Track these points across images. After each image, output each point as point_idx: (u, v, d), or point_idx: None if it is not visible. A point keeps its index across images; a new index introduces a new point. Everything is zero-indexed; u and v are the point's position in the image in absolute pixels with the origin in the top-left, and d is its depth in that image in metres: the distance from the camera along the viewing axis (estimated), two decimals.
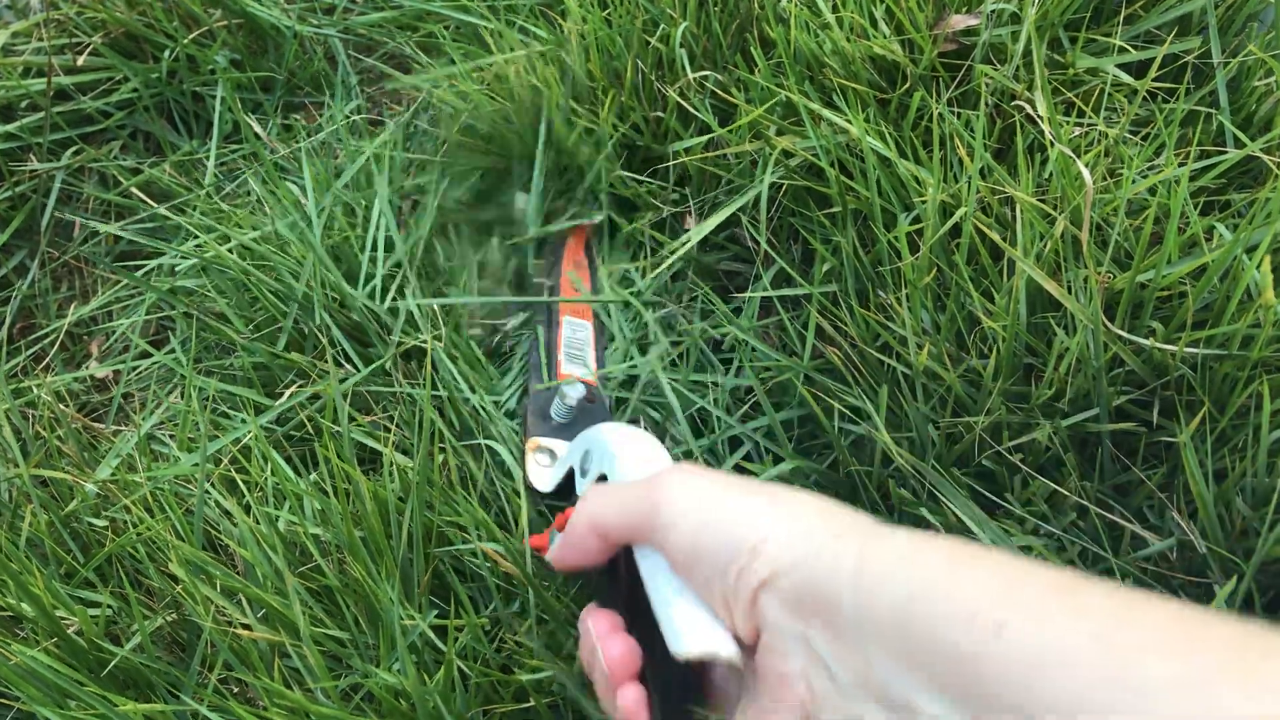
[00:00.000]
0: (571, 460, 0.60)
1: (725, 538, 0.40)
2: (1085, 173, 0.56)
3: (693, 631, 0.41)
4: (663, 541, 0.43)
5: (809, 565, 0.37)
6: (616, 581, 0.49)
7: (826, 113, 0.71)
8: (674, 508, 0.42)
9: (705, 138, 0.78)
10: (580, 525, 0.48)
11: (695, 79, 0.79)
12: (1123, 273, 0.61)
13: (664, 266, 0.76)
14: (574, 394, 0.68)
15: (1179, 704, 0.26)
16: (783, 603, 0.37)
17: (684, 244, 0.75)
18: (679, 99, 0.79)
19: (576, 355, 0.74)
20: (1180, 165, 0.63)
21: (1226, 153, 0.67)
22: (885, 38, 0.75)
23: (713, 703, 0.44)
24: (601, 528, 0.46)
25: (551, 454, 0.67)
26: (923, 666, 0.31)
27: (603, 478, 0.53)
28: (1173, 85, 0.72)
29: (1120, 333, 0.59)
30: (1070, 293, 0.61)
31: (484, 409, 0.69)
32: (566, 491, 0.62)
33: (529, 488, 0.65)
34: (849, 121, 0.70)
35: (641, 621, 0.46)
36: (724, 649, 0.40)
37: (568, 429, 0.68)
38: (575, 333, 0.75)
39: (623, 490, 0.46)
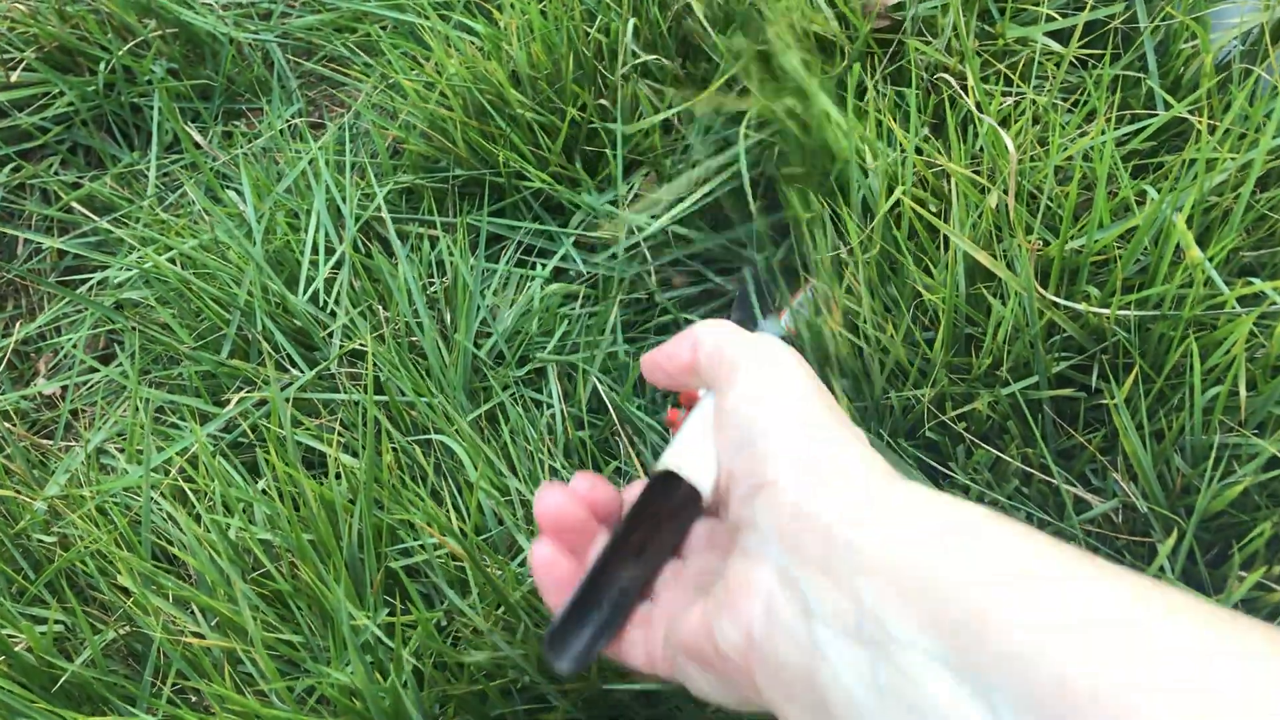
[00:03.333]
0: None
1: (760, 425, 0.38)
2: (1009, 142, 0.56)
3: (680, 455, 0.41)
4: (722, 391, 0.41)
5: (816, 488, 0.35)
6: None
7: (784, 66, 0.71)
8: (750, 375, 0.41)
9: (658, 116, 0.78)
10: (683, 337, 0.45)
11: (638, 65, 0.79)
12: (1056, 239, 0.61)
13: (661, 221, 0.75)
14: (774, 329, 0.69)
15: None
16: (775, 511, 0.36)
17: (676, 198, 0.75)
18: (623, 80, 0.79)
19: (802, 314, 0.71)
20: (1107, 131, 0.64)
21: (1156, 115, 0.68)
22: (825, 18, 0.75)
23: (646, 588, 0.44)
24: (696, 343, 0.44)
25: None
26: (913, 615, 0.30)
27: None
28: (1101, 51, 0.73)
29: (1053, 299, 0.59)
30: (1005, 262, 0.61)
31: (430, 406, 0.69)
32: None
33: None
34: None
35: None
36: (692, 474, 0.40)
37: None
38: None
39: (731, 333, 0.44)
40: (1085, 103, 0.68)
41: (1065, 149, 0.64)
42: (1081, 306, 0.60)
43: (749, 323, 0.74)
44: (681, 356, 0.45)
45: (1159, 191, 0.63)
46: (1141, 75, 0.71)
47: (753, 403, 0.40)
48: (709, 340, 0.44)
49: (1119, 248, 0.63)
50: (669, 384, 0.46)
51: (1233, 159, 0.61)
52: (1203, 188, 0.58)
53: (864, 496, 0.35)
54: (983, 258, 0.59)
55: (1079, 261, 0.62)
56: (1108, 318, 0.60)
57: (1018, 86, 0.70)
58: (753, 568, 0.36)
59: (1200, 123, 0.63)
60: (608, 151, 0.80)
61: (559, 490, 0.44)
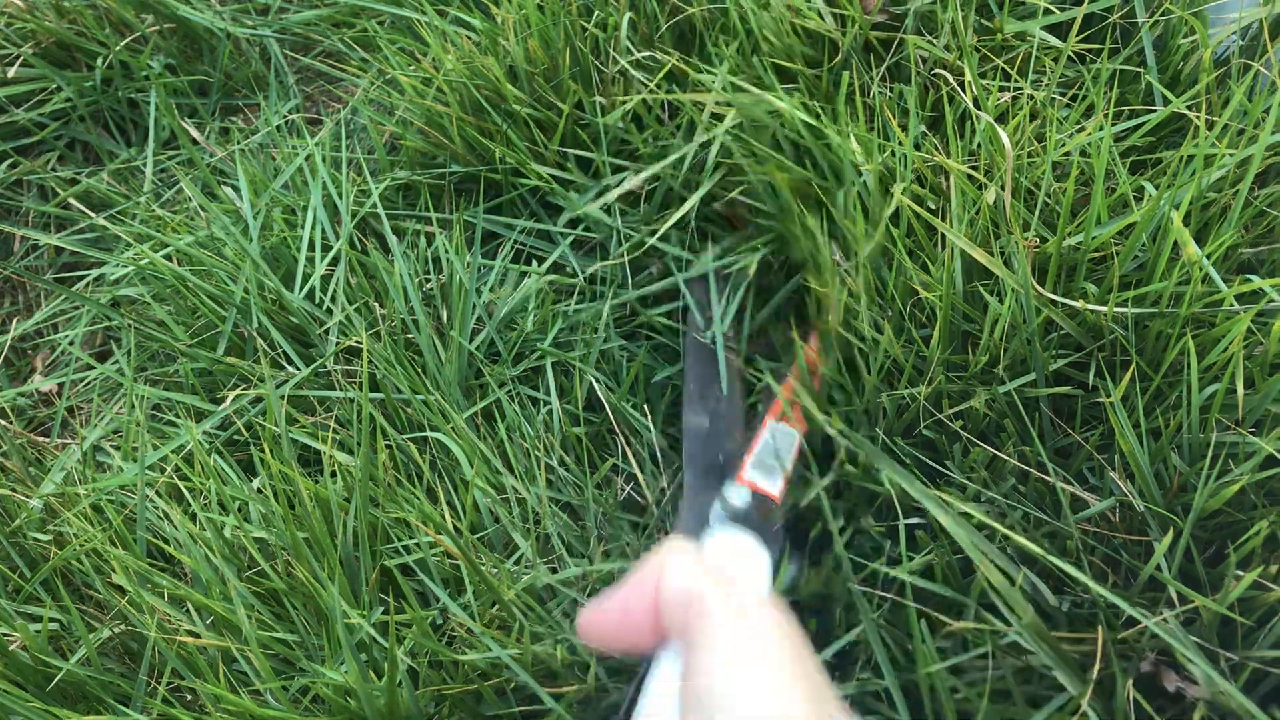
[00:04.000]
0: None
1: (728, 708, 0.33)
2: (1004, 138, 0.56)
3: None
4: (691, 647, 0.36)
5: None
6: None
7: (754, 90, 0.71)
8: (724, 651, 0.35)
9: (638, 97, 0.78)
10: (647, 574, 0.39)
11: (633, 60, 0.79)
12: (1054, 236, 0.61)
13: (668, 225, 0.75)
14: (738, 500, 0.60)
15: None
16: None
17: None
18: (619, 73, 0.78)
19: (769, 465, 0.64)
20: (1105, 126, 0.63)
21: (1155, 110, 0.68)
22: (819, 15, 0.74)
23: None
24: (665, 583, 0.38)
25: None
26: None
27: None
28: (1100, 46, 0.72)
29: (1050, 296, 0.59)
30: (1002, 259, 0.61)
31: (426, 403, 0.69)
32: None
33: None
34: (777, 98, 0.70)
35: None
36: None
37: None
38: (779, 439, 0.65)
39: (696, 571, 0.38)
40: (1083, 98, 0.67)
41: (1063, 145, 0.63)
42: (1078, 304, 0.59)
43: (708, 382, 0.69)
44: (640, 608, 0.38)
45: (1157, 188, 0.63)
46: (1140, 69, 0.70)
47: (724, 677, 0.34)
48: (675, 588, 0.38)
49: (1116, 245, 0.63)
50: (627, 643, 0.40)
51: (1231, 154, 0.61)
52: (1201, 184, 0.58)
53: None
54: (979, 255, 0.59)
55: (1076, 258, 0.62)
56: (1105, 315, 0.60)
57: (1015, 82, 0.70)
58: None
59: (1199, 118, 0.62)
60: (598, 153, 0.79)
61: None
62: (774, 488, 0.63)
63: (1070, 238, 0.62)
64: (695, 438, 0.67)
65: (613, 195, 0.75)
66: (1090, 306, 0.59)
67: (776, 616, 0.37)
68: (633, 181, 0.75)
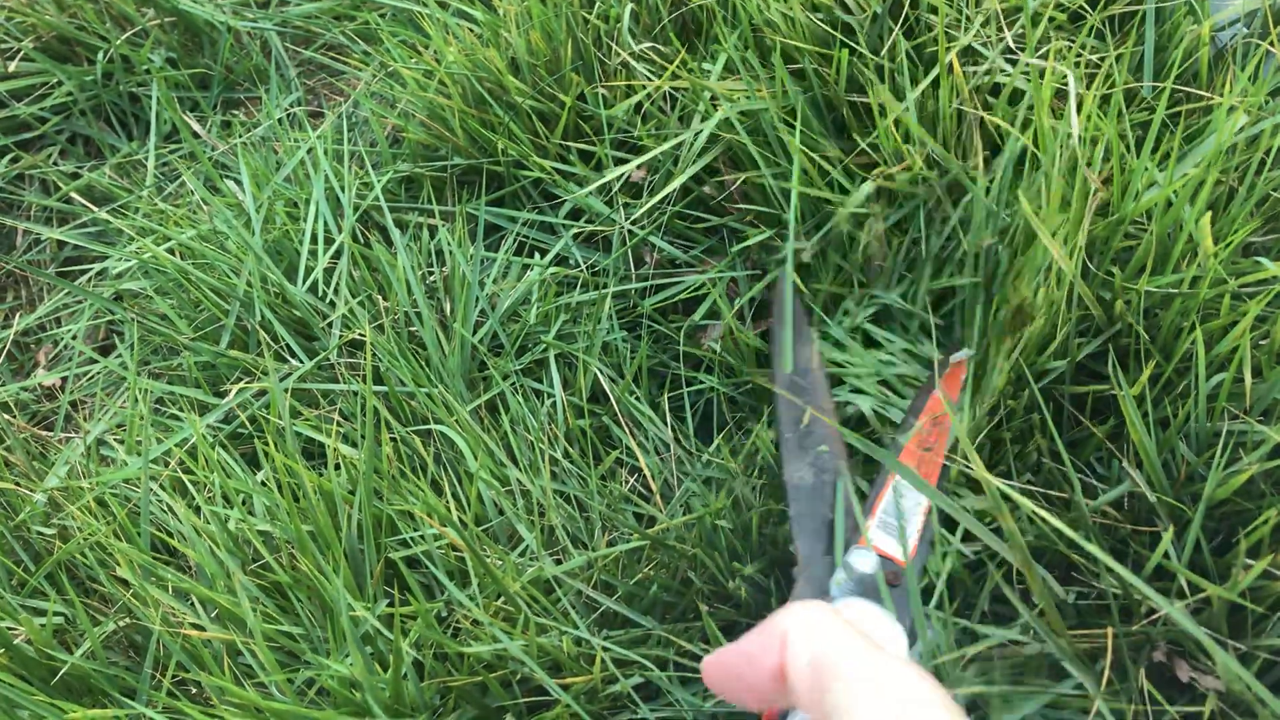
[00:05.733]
0: None
1: None
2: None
3: None
4: None
5: None
6: None
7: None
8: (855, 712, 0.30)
9: (642, 93, 0.77)
10: (771, 629, 0.33)
11: (637, 50, 0.78)
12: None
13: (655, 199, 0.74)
14: (864, 565, 0.53)
15: None
16: None
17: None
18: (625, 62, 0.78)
19: (892, 525, 0.57)
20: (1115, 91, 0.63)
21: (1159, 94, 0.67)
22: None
23: None
24: (787, 651, 0.32)
25: None
26: None
27: None
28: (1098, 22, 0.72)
29: (1094, 271, 0.59)
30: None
31: (430, 395, 0.69)
32: None
33: None
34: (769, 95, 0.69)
35: None
36: None
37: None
38: (903, 494, 0.59)
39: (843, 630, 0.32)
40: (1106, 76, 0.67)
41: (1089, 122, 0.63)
42: (1115, 277, 0.59)
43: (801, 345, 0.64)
44: (765, 661, 0.33)
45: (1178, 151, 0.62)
46: (1139, 48, 0.70)
47: None
48: (804, 648, 0.32)
49: (1135, 227, 0.62)
50: (750, 700, 0.34)
51: (1248, 115, 0.60)
52: (1221, 143, 0.57)
53: None
54: (1045, 237, 0.58)
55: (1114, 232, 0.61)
56: (1130, 297, 0.59)
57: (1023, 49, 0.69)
58: None
59: (1214, 98, 0.62)
60: (600, 146, 0.79)
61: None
62: (900, 551, 0.56)
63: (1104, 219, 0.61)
64: (802, 496, 0.59)
65: (611, 175, 0.74)
66: (1126, 284, 0.58)
67: (933, 687, 0.30)
68: (635, 172, 0.75)
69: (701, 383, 0.70)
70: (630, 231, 0.75)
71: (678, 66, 0.77)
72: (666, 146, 0.73)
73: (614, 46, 0.79)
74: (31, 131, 0.95)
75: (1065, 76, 0.64)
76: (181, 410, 0.74)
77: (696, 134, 0.73)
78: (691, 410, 0.70)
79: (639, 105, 0.78)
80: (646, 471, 0.66)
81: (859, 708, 0.29)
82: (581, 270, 0.76)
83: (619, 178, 0.76)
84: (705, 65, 0.76)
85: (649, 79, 0.78)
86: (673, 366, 0.72)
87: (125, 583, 0.64)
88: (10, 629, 0.61)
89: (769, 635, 0.33)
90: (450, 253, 0.75)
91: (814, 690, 0.31)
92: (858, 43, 0.72)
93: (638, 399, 0.69)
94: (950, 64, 0.66)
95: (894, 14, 0.73)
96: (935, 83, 0.68)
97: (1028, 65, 0.67)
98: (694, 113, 0.75)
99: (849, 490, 0.59)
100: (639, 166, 0.75)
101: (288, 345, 0.73)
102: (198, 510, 0.66)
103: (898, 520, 0.56)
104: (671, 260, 0.76)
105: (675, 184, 0.73)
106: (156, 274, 0.80)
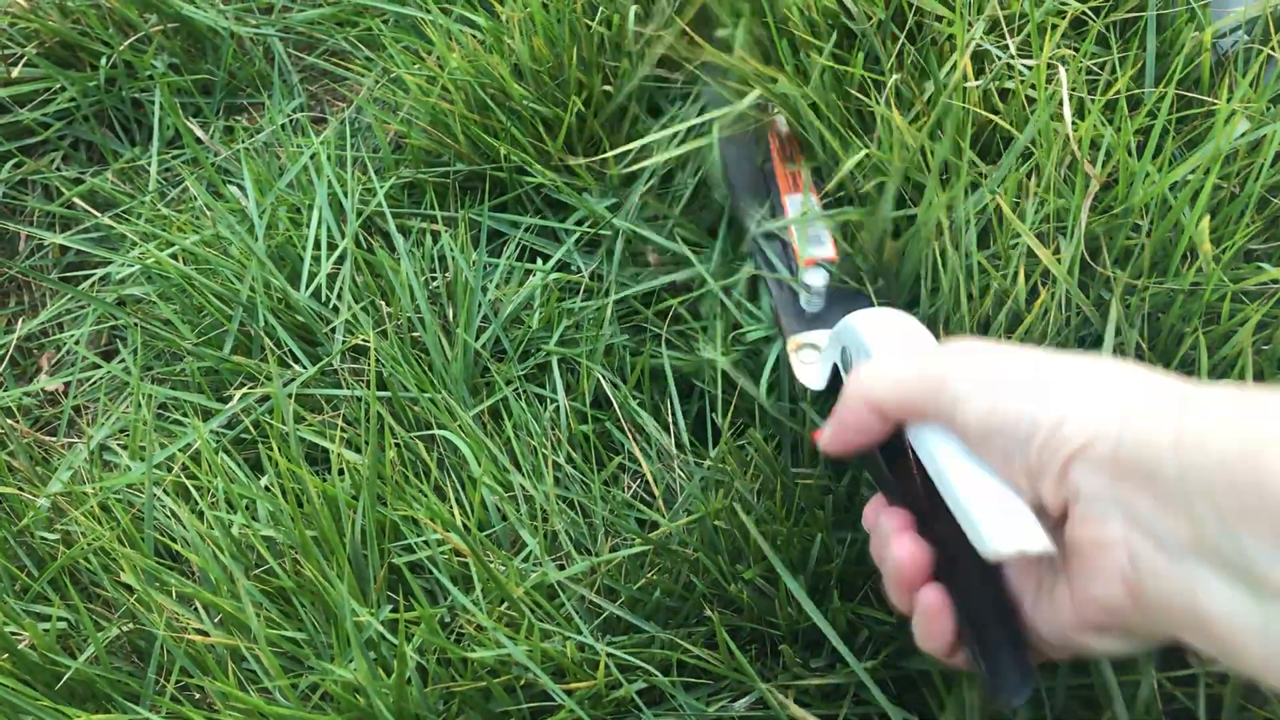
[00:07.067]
0: (832, 357, 0.56)
1: (1026, 407, 0.37)
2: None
3: (999, 528, 0.37)
4: (951, 415, 0.40)
5: (1124, 429, 0.34)
6: (896, 473, 0.47)
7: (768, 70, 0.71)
8: (964, 378, 0.39)
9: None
10: (854, 401, 0.45)
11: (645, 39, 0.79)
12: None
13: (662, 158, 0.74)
14: (818, 280, 0.64)
15: None
16: (1097, 470, 0.35)
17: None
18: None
19: (815, 236, 0.67)
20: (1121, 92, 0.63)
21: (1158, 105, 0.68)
22: None
23: (1009, 593, 0.42)
24: (878, 403, 0.44)
25: (815, 348, 0.62)
26: (1260, 522, 0.30)
27: None
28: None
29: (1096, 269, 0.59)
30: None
31: (433, 401, 0.69)
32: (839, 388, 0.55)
33: (804, 388, 0.61)
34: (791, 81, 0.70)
35: (932, 513, 0.43)
36: (1036, 543, 0.37)
37: (825, 317, 0.64)
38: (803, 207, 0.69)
39: (900, 365, 0.44)
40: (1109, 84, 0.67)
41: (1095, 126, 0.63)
42: (1116, 275, 0.59)
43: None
44: (866, 426, 0.45)
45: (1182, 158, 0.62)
46: (1139, 51, 0.70)
47: (996, 401, 0.38)
48: (891, 394, 0.43)
49: (1135, 226, 0.62)
50: (864, 442, 0.46)
51: (1249, 120, 0.61)
52: (1219, 146, 0.57)
53: (1168, 418, 0.34)
54: (1044, 256, 0.58)
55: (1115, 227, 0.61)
56: (1128, 305, 0.59)
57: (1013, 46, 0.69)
58: (1097, 529, 0.36)
59: (1218, 102, 0.62)
60: (604, 146, 0.79)
61: (910, 540, 0.44)
62: (830, 250, 0.66)
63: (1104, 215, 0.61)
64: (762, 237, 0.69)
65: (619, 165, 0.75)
66: (1130, 280, 0.58)
67: (971, 340, 0.44)
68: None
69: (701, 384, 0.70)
70: (634, 232, 0.75)
71: (677, 65, 0.77)
72: (678, 152, 0.74)
73: (620, 48, 0.79)
74: (34, 137, 0.95)
75: (1067, 78, 0.64)
76: (185, 415, 0.74)
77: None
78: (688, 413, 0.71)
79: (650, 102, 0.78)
80: (649, 476, 0.66)
81: (947, 378, 0.40)
82: (583, 276, 0.76)
83: (621, 178, 0.76)
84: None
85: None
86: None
87: (129, 588, 0.64)
88: (14, 634, 0.61)
89: (856, 402, 0.45)
90: (453, 258, 0.75)
91: (915, 405, 0.42)
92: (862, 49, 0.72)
93: (641, 404, 0.69)
94: (962, 69, 0.66)
95: (898, 21, 0.73)
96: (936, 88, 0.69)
97: (1026, 70, 0.67)
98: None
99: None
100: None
101: (291, 351, 0.73)
102: (201, 515, 0.66)
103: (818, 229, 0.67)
104: (675, 260, 0.76)
105: (658, 158, 0.73)
106: (159, 279, 0.80)
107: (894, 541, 0.44)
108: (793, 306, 0.66)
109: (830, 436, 0.47)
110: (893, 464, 0.47)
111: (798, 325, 0.64)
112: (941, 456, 0.41)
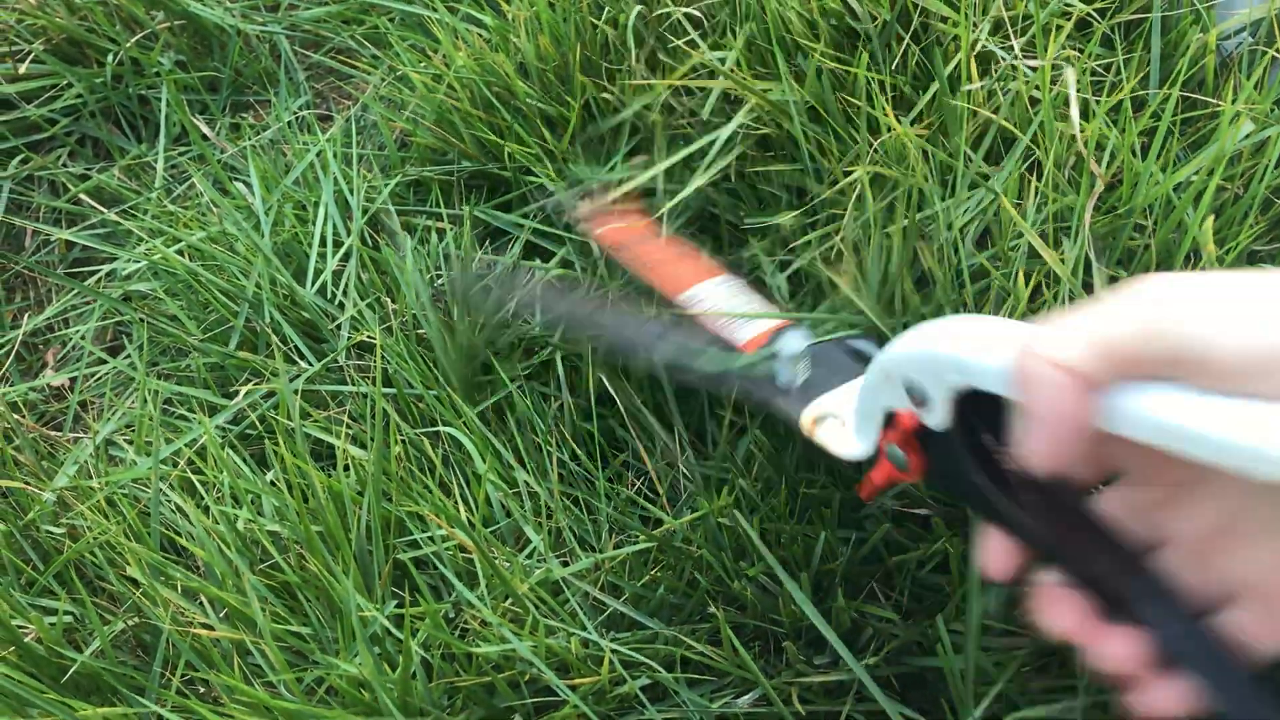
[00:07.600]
0: (877, 404, 0.44)
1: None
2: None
3: None
4: (1202, 358, 0.31)
5: None
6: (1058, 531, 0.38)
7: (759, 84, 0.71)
8: (1202, 315, 0.31)
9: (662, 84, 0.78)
10: (1047, 388, 0.33)
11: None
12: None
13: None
14: (791, 346, 0.55)
15: None
16: None
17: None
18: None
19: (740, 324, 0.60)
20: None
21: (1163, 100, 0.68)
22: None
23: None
24: (1091, 373, 0.33)
25: (834, 416, 0.51)
26: None
27: (972, 393, 0.37)
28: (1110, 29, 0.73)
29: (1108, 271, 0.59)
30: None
31: (438, 397, 0.69)
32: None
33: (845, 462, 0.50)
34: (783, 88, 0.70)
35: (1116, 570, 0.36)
36: None
37: (819, 383, 0.54)
38: (722, 291, 0.62)
39: (1097, 320, 0.33)
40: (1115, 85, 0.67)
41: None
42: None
43: None
44: (1076, 402, 0.33)
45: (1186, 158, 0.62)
46: (1144, 53, 0.70)
47: (1250, 334, 0.30)
48: (1096, 354, 0.33)
49: (1139, 227, 0.62)
50: (1082, 439, 0.34)
51: (1254, 122, 0.61)
52: (1223, 147, 0.57)
53: None
54: (1048, 256, 0.58)
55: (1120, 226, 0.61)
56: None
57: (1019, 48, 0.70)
58: None
59: (1221, 104, 0.62)
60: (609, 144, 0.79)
61: (1119, 642, 0.37)
62: (758, 329, 0.59)
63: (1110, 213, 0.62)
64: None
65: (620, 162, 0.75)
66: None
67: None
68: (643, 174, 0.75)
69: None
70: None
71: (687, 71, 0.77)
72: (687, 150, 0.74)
73: (625, 47, 0.80)
74: (41, 133, 0.95)
75: (1072, 78, 0.64)
76: (190, 411, 0.74)
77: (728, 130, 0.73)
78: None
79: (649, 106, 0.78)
80: (653, 473, 0.66)
81: (1165, 323, 0.31)
82: (585, 274, 0.76)
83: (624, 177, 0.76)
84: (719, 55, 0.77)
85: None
86: None
87: (135, 582, 0.64)
88: (21, 627, 0.62)
89: (1055, 393, 0.33)
90: (458, 256, 0.75)
91: (1158, 360, 0.32)
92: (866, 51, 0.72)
93: (644, 402, 0.70)
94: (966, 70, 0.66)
95: (902, 23, 0.74)
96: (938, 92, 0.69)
97: (1030, 71, 0.67)
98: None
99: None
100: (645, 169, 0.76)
101: (296, 347, 0.74)
102: (207, 510, 0.66)
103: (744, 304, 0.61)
104: None
105: (690, 188, 0.73)
106: (165, 275, 0.80)
107: (1098, 647, 0.37)
108: (775, 389, 0.56)
109: (1038, 448, 0.35)
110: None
111: (798, 402, 0.54)
112: (1177, 408, 0.32)
